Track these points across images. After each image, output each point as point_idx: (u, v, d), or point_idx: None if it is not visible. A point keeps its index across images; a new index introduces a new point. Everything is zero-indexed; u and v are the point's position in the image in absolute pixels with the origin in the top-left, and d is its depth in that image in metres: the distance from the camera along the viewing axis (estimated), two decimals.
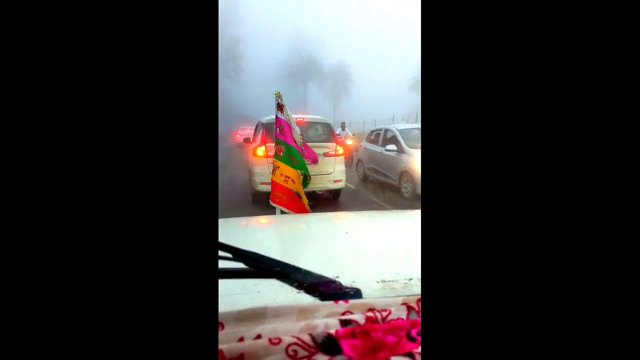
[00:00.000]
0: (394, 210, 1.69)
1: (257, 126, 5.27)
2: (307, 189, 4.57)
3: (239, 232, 1.14)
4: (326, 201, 5.15)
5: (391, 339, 0.43)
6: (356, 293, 0.58)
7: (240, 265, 0.64)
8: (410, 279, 0.64)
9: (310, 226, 1.32)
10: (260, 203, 4.19)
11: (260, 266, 0.64)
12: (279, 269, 0.63)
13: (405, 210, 2.09)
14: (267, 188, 4.42)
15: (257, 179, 4.47)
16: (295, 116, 4.94)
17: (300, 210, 2.58)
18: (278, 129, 2.61)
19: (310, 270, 0.63)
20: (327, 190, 5.03)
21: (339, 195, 5.24)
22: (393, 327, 0.45)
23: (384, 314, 0.48)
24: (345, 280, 0.61)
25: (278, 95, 2.57)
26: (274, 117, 5.06)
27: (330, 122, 5.24)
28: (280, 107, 2.60)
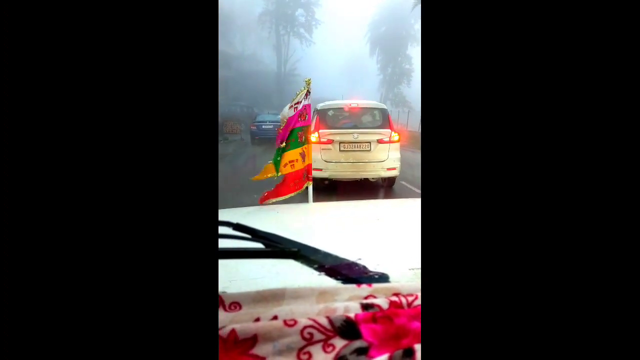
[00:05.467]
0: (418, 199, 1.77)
1: (313, 112, 5.60)
2: (359, 177, 5.06)
3: (269, 218, 1.28)
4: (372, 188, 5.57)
5: (416, 325, 0.44)
6: (382, 277, 0.61)
7: (259, 245, 0.71)
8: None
9: (344, 212, 1.44)
10: (315, 191, 4.58)
11: (277, 246, 0.70)
12: (296, 249, 0.69)
13: None
14: (319, 174, 4.84)
15: None
16: (350, 102, 5.59)
17: (300, 179, 2.62)
18: (305, 116, 2.65)
19: (331, 252, 0.68)
20: (380, 178, 5.49)
21: (393, 184, 5.61)
22: (419, 312, 0.45)
23: (410, 299, 0.49)
24: (372, 265, 0.64)
25: (308, 83, 2.66)
26: (329, 103, 5.66)
27: (385, 108, 5.69)
28: (307, 93, 2.66)
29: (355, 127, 5.35)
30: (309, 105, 2.65)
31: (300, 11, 34.30)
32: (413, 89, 31.66)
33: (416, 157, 10.00)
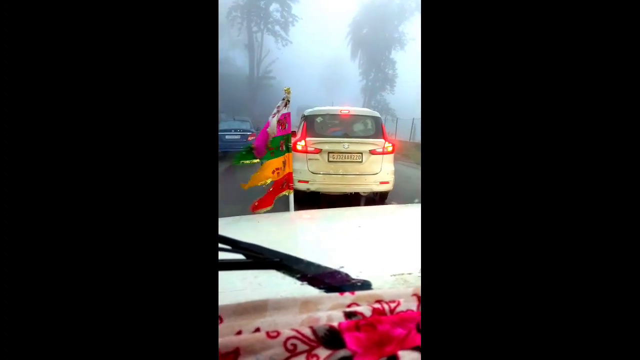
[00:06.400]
0: (410, 204, 1.92)
1: (301, 118, 5.46)
2: (349, 190, 4.86)
3: (250, 228, 1.27)
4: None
5: (399, 331, 0.45)
6: (364, 284, 0.63)
7: (239, 257, 0.72)
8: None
9: (325, 221, 1.48)
10: (297, 202, 4.56)
11: (258, 257, 0.71)
12: (278, 259, 0.70)
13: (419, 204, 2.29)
14: (305, 186, 4.71)
15: (295, 176, 4.65)
16: (340, 108, 5.31)
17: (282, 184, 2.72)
18: (285, 125, 2.77)
19: (313, 261, 0.69)
20: (371, 193, 5.18)
21: (385, 198, 5.34)
22: (401, 319, 0.47)
23: (392, 305, 0.51)
24: (354, 273, 0.66)
25: (288, 92, 2.79)
26: (317, 108, 5.39)
27: (379, 116, 5.38)
28: (287, 102, 2.78)
29: (345, 135, 5.01)
30: (288, 114, 2.82)
31: (275, 6, 32.52)
32: (396, 96, 31.75)
33: (408, 170, 9.87)
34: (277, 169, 2.75)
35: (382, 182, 4.98)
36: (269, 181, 2.68)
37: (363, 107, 28.47)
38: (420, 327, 0.46)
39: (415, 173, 9.80)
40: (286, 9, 32.57)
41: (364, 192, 5.17)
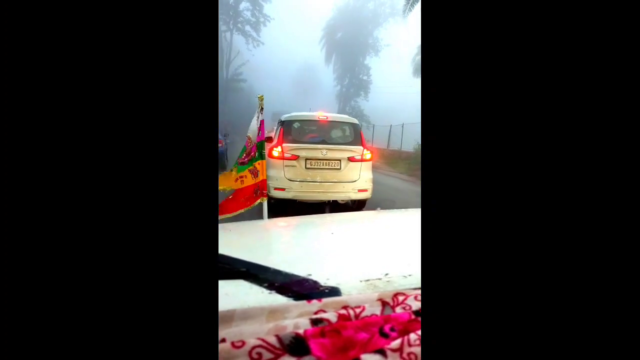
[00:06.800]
0: (384, 210, 1.95)
1: (277, 124, 5.43)
2: (327, 198, 4.84)
3: (220, 237, 1.25)
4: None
5: (363, 335, 0.47)
6: (332, 291, 0.64)
7: None
8: (387, 274, 0.71)
9: (298, 229, 1.48)
10: (275, 210, 4.41)
11: (224, 268, 0.71)
12: (244, 269, 0.70)
13: (395, 210, 2.28)
14: (282, 194, 4.65)
15: (271, 183, 4.63)
16: (319, 115, 5.28)
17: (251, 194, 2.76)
18: (258, 132, 2.85)
19: (281, 270, 0.70)
20: (349, 201, 5.18)
21: (363, 206, 5.33)
22: (365, 323, 0.49)
23: (358, 310, 0.53)
24: (324, 280, 0.67)
25: (261, 99, 2.86)
26: (295, 114, 5.34)
27: (358, 123, 5.39)
28: (261, 109, 2.87)
29: (324, 142, 4.96)
30: (262, 121, 2.88)
31: (245, 4, 31.18)
32: (371, 103, 32.01)
33: (386, 180, 9.84)
34: (242, 176, 2.78)
35: (360, 190, 4.97)
36: (228, 189, 2.71)
37: (338, 112, 28.58)
38: (382, 331, 0.48)
39: (397, 182, 9.77)
40: (257, 8, 31.32)
41: (342, 200, 5.15)
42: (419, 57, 29.45)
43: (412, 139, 15.82)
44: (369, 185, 5.05)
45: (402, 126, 17.51)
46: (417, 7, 14.93)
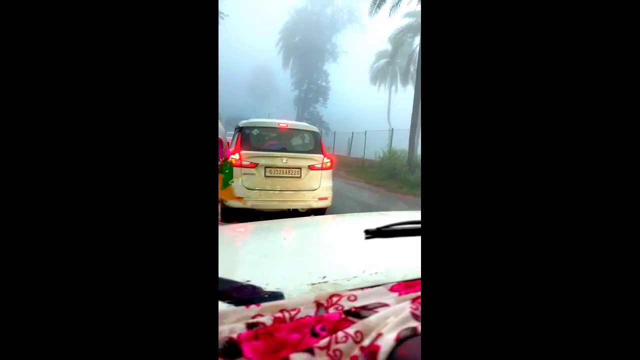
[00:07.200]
0: (348, 214, 1.99)
1: (234, 130, 5.39)
2: (287, 207, 4.82)
3: None
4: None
5: (295, 336, 0.49)
6: (273, 296, 0.65)
7: None
8: (324, 277, 0.73)
9: (251, 234, 1.48)
10: (231, 221, 4.38)
11: None
12: None
13: (355, 214, 2.30)
14: (239, 204, 4.53)
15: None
16: (279, 122, 5.26)
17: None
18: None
19: (221, 276, 0.69)
20: (310, 209, 5.13)
21: (323, 214, 5.25)
22: (298, 324, 0.51)
23: (293, 312, 0.55)
24: (264, 285, 0.69)
25: None
26: (253, 120, 5.29)
27: (318, 131, 5.40)
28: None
29: (284, 150, 4.93)
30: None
31: None
32: (329, 109, 32.22)
33: (353, 192, 9.62)
34: None
35: (320, 199, 4.99)
36: None
37: (296, 118, 28.46)
38: (314, 331, 0.50)
39: (365, 195, 9.38)
40: None
41: (302, 209, 5.13)
42: (377, 64, 30.17)
43: (376, 146, 15.59)
44: (329, 194, 5.08)
45: (365, 134, 17.32)
46: (380, 14, 15.17)
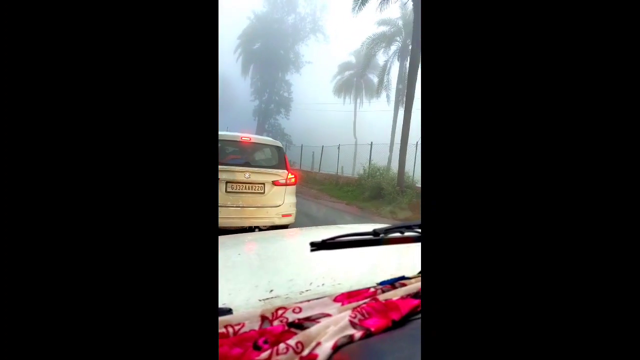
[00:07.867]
0: (307, 227, 2.02)
1: None
2: (249, 225, 4.72)
3: None
4: None
5: (237, 351, 0.50)
6: (219, 311, 0.65)
7: None
8: (271, 291, 0.77)
9: None
10: None
11: None
12: None
13: (320, 227, 2.30)
14: None
15: None
16: (241, 135, 5.18)
17: None
18: None
19: None
20: (273, 226, 5.04)
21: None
22: (240, 339, 0.53)
23: (237, 327, 0.57)
24: (220, 301, 0.68)
25: None
26: (228, 133, 5.15)
27: (281, 146, 5.36)
28: None
29: (247, 164, 4.82)
30: None
31: None
32: (292, 121, 31.92)
33: (326, 212, 9.15)
34: None
35: (284, 215, 4.95)
36: None
37: (257, 130, 27.84)
38: (257, 344, 0.52)
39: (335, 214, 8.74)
40: None
41: (264, 226, 5.06)
42: (340, 76, 30.38)
43: (345, 161, 14.54)
44: (292, 210, 5.05)
45: (339, 148, 16.24)
46: (351, 20, 15.07)
